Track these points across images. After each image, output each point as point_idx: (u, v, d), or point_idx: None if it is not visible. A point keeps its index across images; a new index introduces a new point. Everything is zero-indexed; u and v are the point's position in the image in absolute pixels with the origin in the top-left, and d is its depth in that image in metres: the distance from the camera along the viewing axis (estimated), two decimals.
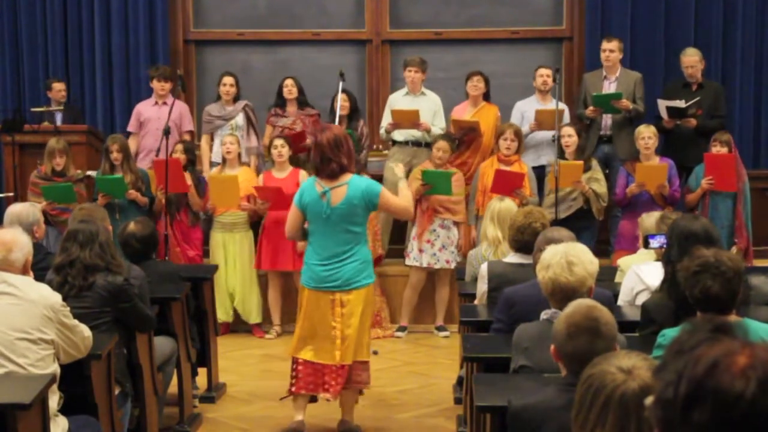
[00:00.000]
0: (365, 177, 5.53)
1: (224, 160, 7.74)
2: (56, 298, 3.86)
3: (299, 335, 5.19)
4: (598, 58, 8.36)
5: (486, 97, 8.10)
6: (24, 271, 3.88)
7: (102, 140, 8.11)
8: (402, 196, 5.30)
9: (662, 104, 7.79)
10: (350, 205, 5.02)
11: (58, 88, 8.59)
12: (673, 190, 7.47)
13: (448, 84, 8.83)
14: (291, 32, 9.26)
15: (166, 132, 7.17)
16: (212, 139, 8.30)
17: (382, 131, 8.10)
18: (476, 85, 8.01)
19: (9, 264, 3.82)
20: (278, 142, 7.58)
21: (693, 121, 7.78)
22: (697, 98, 7.78)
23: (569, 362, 2.78)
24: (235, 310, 7.74)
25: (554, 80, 7.73)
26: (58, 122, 8.38)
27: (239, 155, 7.75)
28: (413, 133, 8.01)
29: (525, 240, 4.80)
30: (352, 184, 5.04)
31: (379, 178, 7.82)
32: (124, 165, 7.42)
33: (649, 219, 5.45)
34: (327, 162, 5.03)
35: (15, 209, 5.26)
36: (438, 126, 8.05)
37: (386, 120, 8.09)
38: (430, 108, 8.07)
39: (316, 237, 5.11)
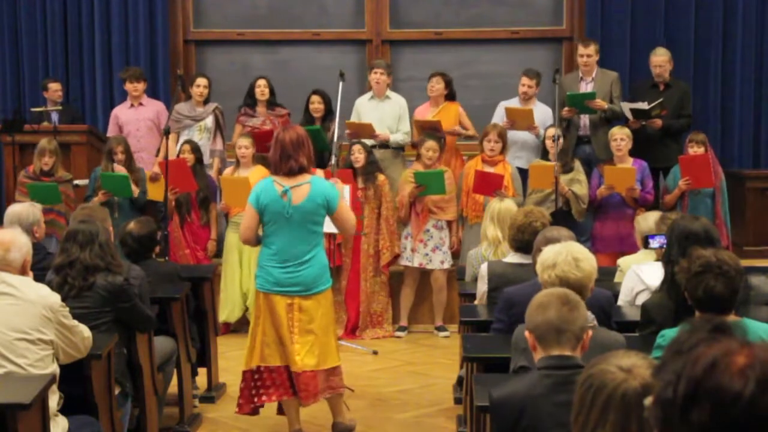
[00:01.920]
0: (324, 179, 5.31)
1: (237, 161, 7.74)
2: (55, 298, 3.86)
3: (262, 342, 4.98)
4: (599, 58, 8.38)
5: (449, 96, 8.07)
6: (23, 272, 3.88)
7: (102, 140, 8.11)
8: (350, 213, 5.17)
9: (626, 106, 7.83)
10: (313, 204, 4.90)
11: (54, 88, 8.58)
12: (645, 193, 7.47)
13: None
14: (291, 32, 9.27)
15: (167, 132, 7.19)
16: (177, 138, 8.21)
17: (345, 134, 8.05)
18: (434, 87, 8.01)
19: (7, 264, 3.82)
20: (243, 141, 7.61)
21: (658, 122, 7.81)
22: (660, 99, 7.80)
23: (546, 335, 2.86)
24: (247, 310, 7.73)
25: (554, 81, 7.72)
26: (55, 122, 8.37)
27: (253, 156, 7.75)
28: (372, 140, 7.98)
29: (525, 239, 4.79)
30: (314, 183, 4.94)
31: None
32: (128, 166, 7.43)
33: (646, 220, 5.46)
34: (286, 159, 4.91)
35: (15, 209, 5.26)
36: (402, 130, 8.04)
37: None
38: (393, 112, 8.07)
39: (275, 238, 4.94)
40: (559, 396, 2.77)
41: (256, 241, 5.06)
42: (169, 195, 7.39)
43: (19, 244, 3.86)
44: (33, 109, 8.43)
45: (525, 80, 8.07)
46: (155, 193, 7.54)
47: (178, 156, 7.66)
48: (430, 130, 7.88)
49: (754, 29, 8.80)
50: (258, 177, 7.62)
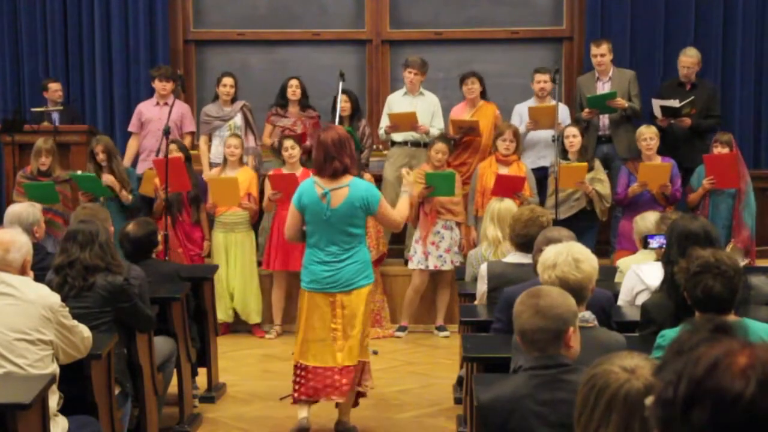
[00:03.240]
0: (365, 180, 5.49)
1: (225, 160, 7.74)
2: (55, 298, 3.86)
3: (303, 338, 5.15)
4: None
5: (483, 95, 8.09)
6: (23, 272, 3.88)
7: None
8: (399, 209, 5.24)
9: (656, 103, 7.81)
10: (351, 207, 5.00)
11: (54, 88, 8.56)
12: (674, 190, 7.47)
13: (448, 84, 8.83)
14: (291, 32, 9.26)
15: (166, 132, 7.17)
16: (210, 140, 8.30)
17: (381, 132, 8.10)
18: (471, 88, 8.01)
19: (6, 264, 3.82)
20: (288, 143, 7.59)
21: (687, 121, 7.79)
22: (692, 98, 7.79)
23: (522, 342, 2.89)
24: (234, 310, 7.74)
25: (554, 81, 7.72)
26: (56, 122, 8.37)
27: (241, 157, 7.75)
28: (412, 134, 8.01)
29: (532, 234, 4.69)
30: (353, 187, 5.02)
31: (379, 178, 7.84)
32: (109, 166, 7.40)
33: (644, 220, 5.46)
34: (330, 161, 4.99)
35: (15, 209, 5.25)
36: (436, 127, 8.05)
37: (384, 121, 8.09)
38: (428, 109, 8.07)
39: (316, 238, 5.09)
40: (545, 395, 2.78)
41: (301, 238, 5.20)
42: (159, 194, 7.38)
43: (18, 244, 3.86)
44: (33, 109, 8.42)
45: (539, 77, 8.03)
46: (146, 188, 7.57)
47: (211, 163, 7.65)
48: (467, 130, 7.89)
49: (754, 29, 8.79)
50: (245, 177, 7.64)
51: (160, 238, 5.74)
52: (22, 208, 5.26)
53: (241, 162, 7.77)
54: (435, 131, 8.00)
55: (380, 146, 8.60)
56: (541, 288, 3.04)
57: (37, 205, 5.53)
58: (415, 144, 8.05)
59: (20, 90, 9.16)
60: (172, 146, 7.67)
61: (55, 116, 8.34)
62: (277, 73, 8.68)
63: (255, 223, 7.80)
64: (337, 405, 5.30)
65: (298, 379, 5.18)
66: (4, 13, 9.11)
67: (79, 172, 7.42)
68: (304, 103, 8.21)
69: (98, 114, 9.05)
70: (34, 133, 7.91)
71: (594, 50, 8.12)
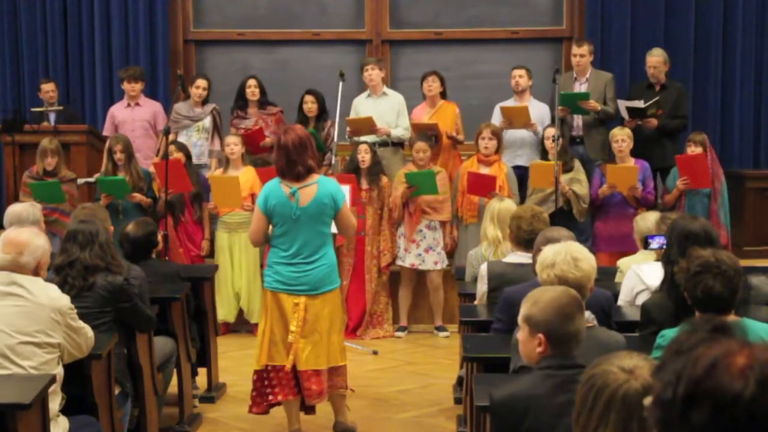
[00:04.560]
0: (332, 179, 5.39)
1: (227, 160, 7.75)
2: (65, 300, 3.85)
3: (270, 341, 5.02)
4: (598, 58, 8.37)
5: (443, 95, 8.09)
6: (36, 274, 3.85)
7: (102, 140, 8.11)
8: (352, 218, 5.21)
9: (622, 104, 7.84)
10: (320, 205, 4.92)
11: (46, 89, 8.54)
12: (646, 192, 7.47)
13: (448, 84, 8.82)
14: (291, 32, 9.26)
15: (166, 132, 7.18)
16: (177, 137, 8.23)
17: (345, 135, 8.05)
18: (431, 86, 8.01)
19: (19, 266, 3.79)
20: (231, 139, 7.68)
21: (654, 121, 7.81)
22: (656, 98, 7.80)
23: (565, 343, 2.87)
24: (238, 310, 7.75)
25: (554, 81, 7.71)
26: (52, 122, 8.36)
27: (242, 156, 7.76)
28: (373, 135, 7.97)
29: (538, 230, 4.64)
30: (321, 184, 4.95)
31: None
32: (127, 165, 7.42)
33: (644, 221, 5.45)
34: (292, 165, 4.90)
35: (15, 209, 5.25)
36: (402, 126, 8.04)
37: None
38: (392, 108, 8.06)
39: (284, 239, 4.96)
40: (562, 396, 2.77)
41: (265, 242, 5.11)
42: (161, 195, 7.39)
43: (33, 247, 3.82)
44: (33, 109, 8.42)
45: (514, 72, 8.07)
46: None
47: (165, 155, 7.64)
48: (427, 132, 7.89)
49: (754, 29, 8.79)
50: (247, 178, 7.64)
51: (159, 237, 5.73)
52: (22, 208, 5.25)
53: (243, 161, 7.77)
54: (400, 131, 8.01)
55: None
56: (564, 288, 3.09)
57: (37, 205, 5.53)
58: (383, 144, 8.01)
59: (20, 90, 9.16)
60: (172, 147, 7.67)
61: (52, 116, 8.34)
62: (277, 73, 8.69)
63: None
64: (332, 407, 5.26)
65: (266, 383, 5.06)
66: (4, 13, 9.11)
67: (99, 176, 7.43)
68: (263, 101, 8.23)
69: (98, 114, 9.04)
70: (34, 133, 7.92)
71: (575, 50, 8.15)
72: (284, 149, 4.92)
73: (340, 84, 7.76)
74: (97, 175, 7.57)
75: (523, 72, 8.04)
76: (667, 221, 4.92)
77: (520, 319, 2.99)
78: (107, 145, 7.52)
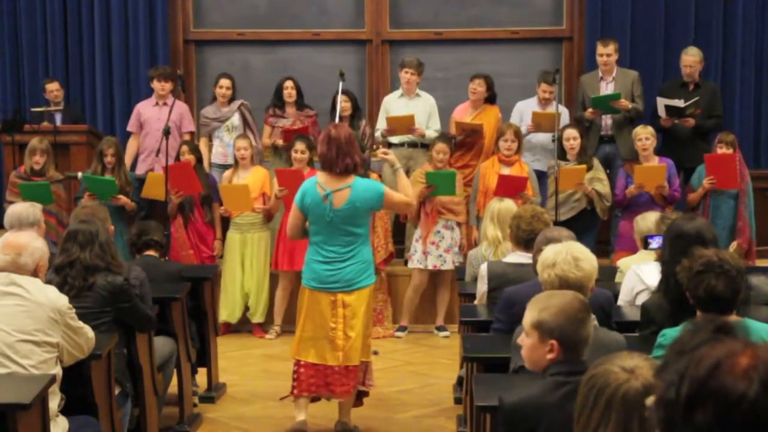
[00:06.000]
0: (368, 178, 5.49)
1: (236, 162, 7.75)
2: (63, 300, 3.85)
3: (301, 336, 5.17)
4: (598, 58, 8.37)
5: (489, 98, 8.07)
6: (34, 275, 3.87)
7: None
8: (402, 188, 5.25)
9: (661, 102, 7.79)
10: (353, 208, 5.01)
11: (51, 89, 8.55)
12: (672, 190, 7.47)
13: (448, 84, 8.84)
14: (291, 32, 9.26)
15: (166, 132, 7.16)
16: (210, 141, 8.31)
17: (377, 134, 8.08)
18: (476, 89, 7.99)
19: (18, 267, 3.82)
20: (241, 143, 7.70)
21: (691, 121, 7.78)
22: (696, 98, 7.78)
23: (576, 348, 2.85)
24: (244, 310, 7.75)
25: (554, 81, 7.71)
26: (57, 122, 8.37)
27: (252, 157, 7.76)
28: (408, 135, 7.99)
29: (537, 231, 4.64)
30: (355, 187, 5.02)
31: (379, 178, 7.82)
32: (116, 168, 7.41)
33: (644, 221, 5.45)
34: (343, 157, 4.99)
35: (15, 209, 5.24)
36: (433, 128, 8.05)
37: (381, 122, 8.08)
38: (424, 110, 8.07)
39: (318, 237, 5.10)
40: (574, 404, 2.75)
41: (303, 236, 5.21)
42: (173, 198, 7.40)
43: (31, 249, 3.85)
44: (33, 109, 8.42)
45: (545, 87, 7.98)
46: (156, 192, 7.47)
47: (187, 159, 7.62)
48: (470, 132, 7.88)
49: (754, 29, 8.80)
50: (257, 178, 7.65)
51: (159, 238, 5.75)
52: (22, 208, 5.24)
53: (252, 162, 7.77)
54: (432, 132, 8.00)
55: (378, 146, 8.59)
56: (573, 293, 3.07)
57: (37, 205, 5.52)
58: (412, 145, 8.04)
59: (20, 90, 9.17)
60: (184, 148, 7.68)
61: (57, 116, 8.34)
62: (277, 73, 8.67)
63: (271, 221, 7.80)
64: (339, 405, 5.30)
65: (296, 376, 5.20)
66: (4, 13, 9.11)
67: (89, 173, 7.41)
68: (300, 103, 8.23)
69: (98, 114, 9.05)
70: (34, 133, 7.91)
71: (600, 50, 8.09)
72: (336, 142, 5.00)
73: (340, 84, 7.75)
74: (82, 173, 7.53)
75: (553, 89, 7.82)
76: (666, 221, 4.92)
77: (527, 325, 2.92)
78: (99, 146, 7.50)
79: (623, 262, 5.51)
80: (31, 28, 9.08)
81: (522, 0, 9.18)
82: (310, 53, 9.27)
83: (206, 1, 9.37)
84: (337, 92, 7.84)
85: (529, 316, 2.93)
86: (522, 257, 4.90)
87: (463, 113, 8.12)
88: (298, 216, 5.14)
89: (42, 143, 7.49)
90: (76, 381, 3.99)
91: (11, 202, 6.35)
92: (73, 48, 9.09)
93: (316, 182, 5.07)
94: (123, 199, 7.36)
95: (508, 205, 5.86)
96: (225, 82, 8.22)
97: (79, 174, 7.67)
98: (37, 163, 7.46)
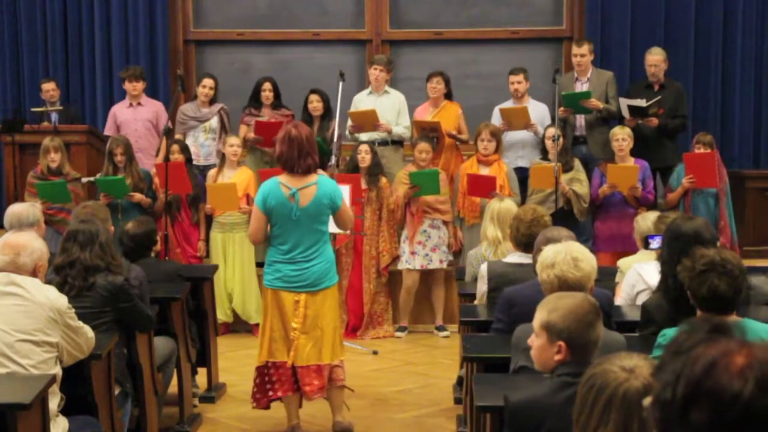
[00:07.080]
0: (331, 178, 5.42)
1: (223, 160, 7.75)
2: (63, 300, 3.86)
3: (270, 338, 5.09)
4: (599, 58, 8.37)
5: (447, 95, 8.09)
6: (33, 276, 3.87)
7: (102, 140, 8.11)
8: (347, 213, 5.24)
9: (624, 103, 7.83)
10: (319, 205, 4.98)
11: (47, 89, 8.54)
12: (646, 192, 7.47)
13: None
14: (291, 32, 9.27)
15: (166, 132, 7.18)
16: (184, 139, 8.24)
17: (345, 132, 8.07)
18: (435, 87, 8.02)
19: (17, 267, 3.82)
20: (233, 141, 7.70)
21: (654, 120, 7.80)
22: (658, 98, 7.79)
23: (585, 350, 2.84)
24: (233, 310, 7.76)
25: (554, 81, 7.71)
26: (54, 122, 8.35)
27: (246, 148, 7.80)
28: (377, 133, 7.97)
29: (536, 234, 4.61)
30: (321, 184, 5.00)
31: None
32: (128, 167, 7.42)
33: (645, 220, 5.45)
34: (304, 156, 4.96)
35: (15, 209, 5.24)
36: (402, 125, 8.05)
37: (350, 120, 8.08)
38: (392, 107, 8.07)
39: (282, 238, 5.02)
40: None
41: (266, 240, 5.14)
42: (159, 195, 7.41)
43: (30, 249, 3.85)
44: (33, 109, 8.42)
45: (511, 78, 8.08)
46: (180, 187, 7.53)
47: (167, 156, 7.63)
48: (429, 131, 7.89)
49: (754, 29, 8.80)
50: (243, 178, 7.65)
51: (159, 237, 5.75)
52: (22, 208, 5.25)
53: (239, 162, 7.79)
54: (400, 129, 8.02)
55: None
56: (583, 295, 3.06)
57: (37, 205, 5.53)
58: (383, 143, 8.02)
59: (20, 90, 9.17)
60: (174, 147, 7.68)
61: (54, 116, 8.33)
62: (278, 73, 8.67)
63: None
64: (331, 405, 5.28)
65: (275, 378, 5.12)
66: (4, 13, 9.12)
67: (99, 176, 7.43)
68: (276, 104, 8.25)
69: (98, 114, 9.05)
70: (34, 133, 7.92)
71: (575, 50, 8.16)
72: (297, 141, 4.96)
73: (340, 84, 7.75)
74: (97, 176, 7.57)
75: (521, 78, 8.02)
76: (665, 221, 4.91)
77: (536, 325, 2.93)
78: (108, 147, 7.51)
79: (624, 262, 5.50)
80: (31, 28, 9.09)
81: (522, 0, 9.19)
82: (310, 53, 9.28)
83: (206, 1, 9.38)
84: (309, 92, 7.96)
85: (539, 316, 2.93)
86: (522, 257, 4.90)
87: (424, 112, 8.15)
88: (261, 218, 5.03)
89: (54, 141, 7.48)
90: (76, 381, 4.00)
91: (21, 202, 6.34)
92: (73, 48, 9.10)
93: (279, 182, 5.01)
94: (137, 196, 7.37)
95: (508, 206, 5.85)
96: (208, 82, 8.22)
97: (86, 179, 7.69)
98: (53, 161, 7.44)
